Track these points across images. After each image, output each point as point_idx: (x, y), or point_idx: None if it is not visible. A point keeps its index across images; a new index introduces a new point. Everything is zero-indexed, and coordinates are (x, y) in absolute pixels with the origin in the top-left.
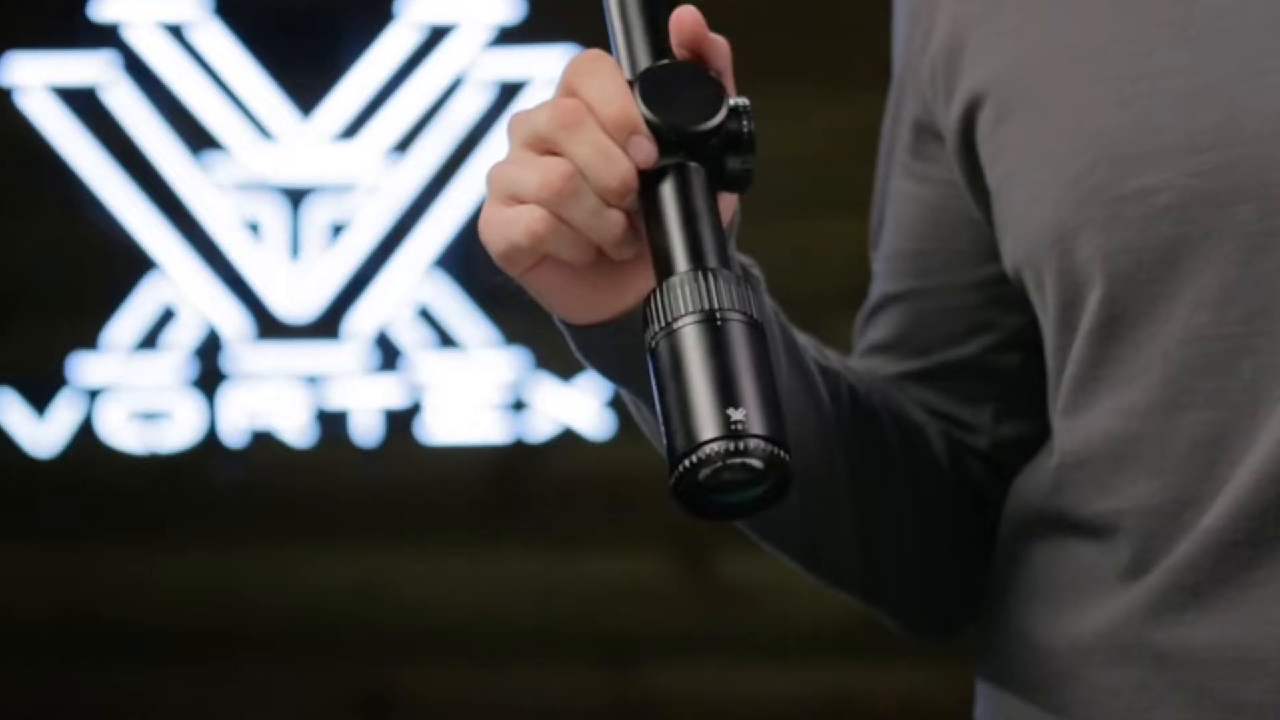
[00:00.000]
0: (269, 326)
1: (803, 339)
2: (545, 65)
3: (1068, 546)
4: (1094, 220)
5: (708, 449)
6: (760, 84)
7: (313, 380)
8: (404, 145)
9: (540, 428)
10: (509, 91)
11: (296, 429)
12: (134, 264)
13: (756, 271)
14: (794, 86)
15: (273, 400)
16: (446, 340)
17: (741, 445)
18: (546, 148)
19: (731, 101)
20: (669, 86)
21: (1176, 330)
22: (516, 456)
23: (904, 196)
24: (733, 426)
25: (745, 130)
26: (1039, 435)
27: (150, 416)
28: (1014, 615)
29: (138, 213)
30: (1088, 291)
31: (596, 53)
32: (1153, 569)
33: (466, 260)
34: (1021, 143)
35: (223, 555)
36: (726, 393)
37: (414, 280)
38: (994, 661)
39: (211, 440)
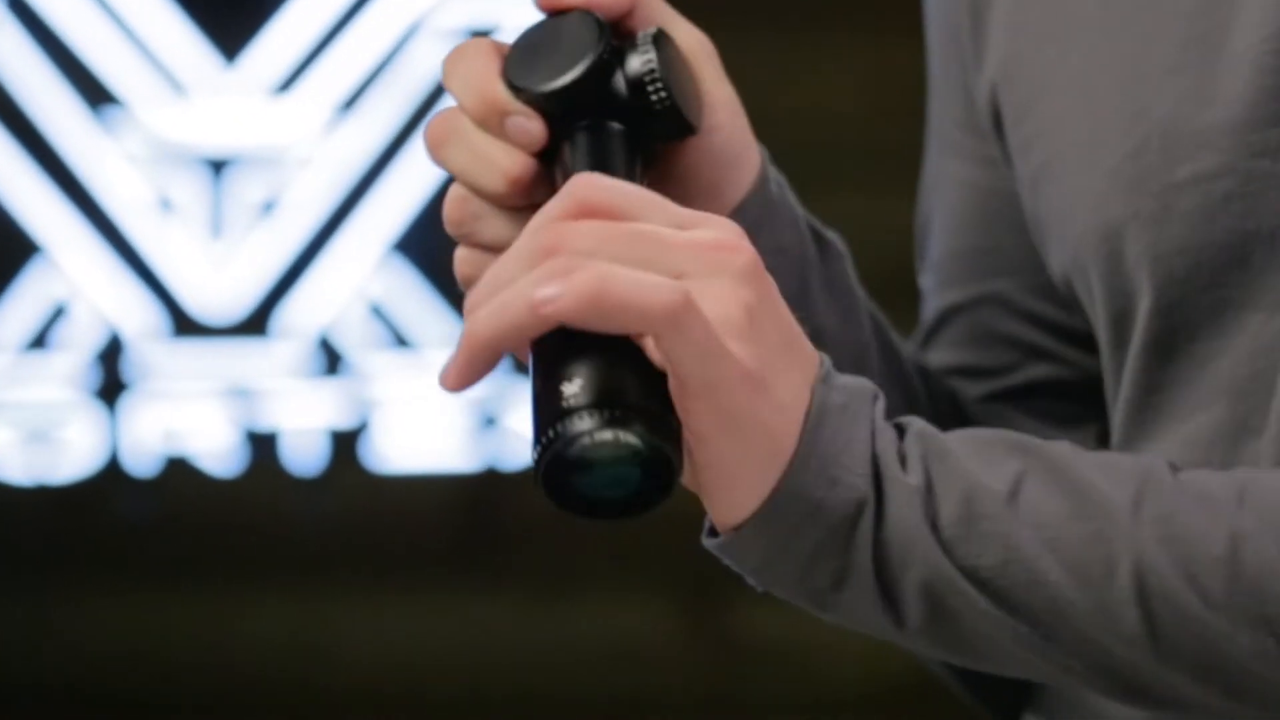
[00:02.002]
0: (185, 325)
1: (895, 335)
2: (515, 10)
3: None
4: (1142, 215)
5: (579, 418)
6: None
7: (239, 393)
8: (350, 104)
9: (518, 451)
10: None
11: (219, 453)
12: (16, 249)
13: (841, 247)
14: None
15: (190, 417)
16: (404, 342)
17: (617, 414)
18: None
19: (640, 33)
20: (540, 49)
21: (1246, 343)
22: (488, 487)
23: (957, 183)
24: (613, 401)
25: (644, 59)
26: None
27: (37, 438)
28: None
29: (22, 185)
30: (1137, 301)
31: (466, 42)
32: None
33: (428, 244)
34: (1056, 126)
35: (129, 607)
36: (608, 372)
37: (364, 269)
38: None
39: (114, 468)
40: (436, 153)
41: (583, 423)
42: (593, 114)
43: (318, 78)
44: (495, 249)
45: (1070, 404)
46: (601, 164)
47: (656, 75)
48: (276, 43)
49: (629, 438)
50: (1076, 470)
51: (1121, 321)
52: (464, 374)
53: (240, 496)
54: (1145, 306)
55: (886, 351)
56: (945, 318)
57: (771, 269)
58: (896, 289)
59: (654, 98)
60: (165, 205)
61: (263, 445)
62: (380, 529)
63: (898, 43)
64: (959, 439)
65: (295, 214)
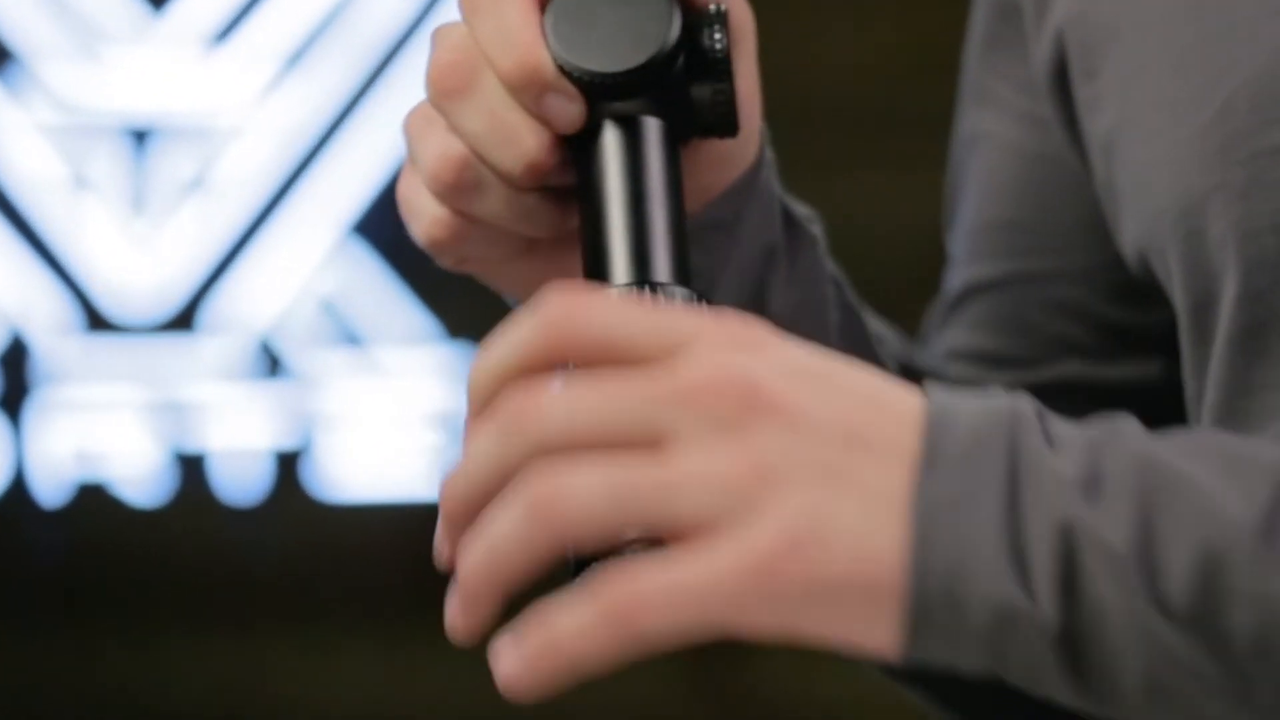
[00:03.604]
0: (100, 322)
1: (877, 326)
2: None
3: None
4: (1227, 186)
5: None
6: None
7: (165, 406)
8: (294, 61)
9: None
10: None
11: (140, 477)
12: None
13: (815, 229)
14: None
15: (106, 434)
16: (360, 345)
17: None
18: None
19: (712, 7)
20: (594, 14)
21: None
22: None
23: (997, 145)
24: None
25: (714, 46)
26: None
27: None
28: None
29: None
30: (1222, 286)
31: None
32: None
33: (389, 227)
34: (1132, 80)
35: (33, 656)
36: None
37: (312, 257)
38: None
39: (17, 493)
40: (445, 100)
41: None
42: (639, 100)
43: (257, 30)
44: (489, 225)
45: (1100, 411)
46: (633, 171)
47: (726, 69)
48: None
49: None
50: None
51: (1204, 311)
52: (469, 616)
53: (165, 529)
54: (1231, 293)
55: (853, 343)
56: (970, 293)
57: (730, 263)
58: (927, 271)
59: (717, 96)
60: (78, 182)
61: (192, 468)
62: (330, 568)
63: None
64: (1176, 448)
65: (231, 191)
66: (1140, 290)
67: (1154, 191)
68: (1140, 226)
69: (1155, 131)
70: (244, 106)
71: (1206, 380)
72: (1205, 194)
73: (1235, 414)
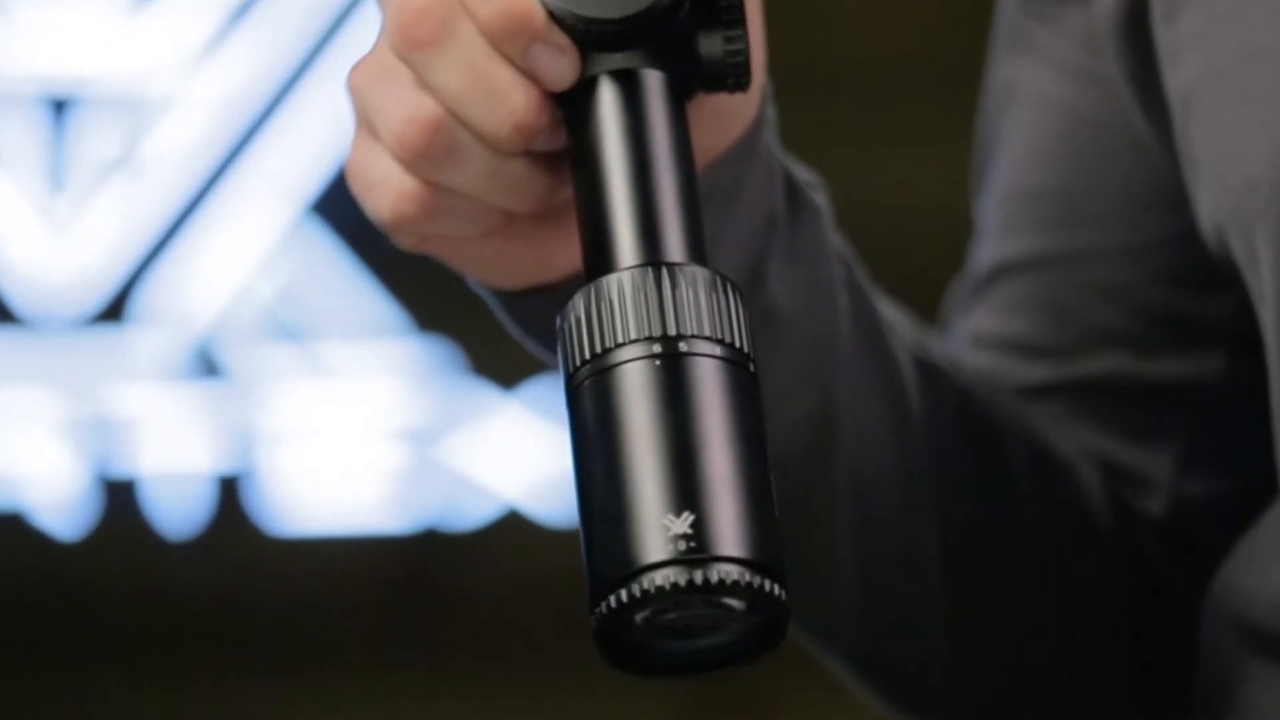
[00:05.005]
0: (10, 318)
1: (889, 313)
2: None
3: None
4: None
5: (650, 579)
6: None
7: (89, 421)
8: (236, 19)
9: (467, 505)
10: None
11: (60, 503)
12: None
13: (819, 197)
14: None
15: (20, 452)
16: (312, 345)
17: (704, 577)
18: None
19: None
20: None
21: None
22: (425, 552)
23: (1041, 101)
24: (690, 543)
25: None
26: (1250, 497)
27: None
28: None
29: None
30: None
31: None
32: None
33: (347, 209)
34: (1221, 25)
35: None
36: (684, 485)
37: (258, 243)
38: None
39: None
40: (415, 52)
41: (668, 580)
42: (639, 51)
43: None
44: (463, 198)
45: (1147, 412)
46: (637, 134)
47: (739, 13)
48: None
49: (733, 603)
50: None
51: None
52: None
53: (88, 563)
54: None
55: (865, 331)
56: (1000, 271)
57: (726, 235)
58: (952, 256)
59: (731, 47)
60: None
61: (119, 493)
62: (276, 609)
63: None
64: None
65: (163, 168)
66: (1201, 273)
67: (1242, 158)
68: (1221, 197)
69: (1245, 87)
70: (178, 71)
71: None
72: None
73: None
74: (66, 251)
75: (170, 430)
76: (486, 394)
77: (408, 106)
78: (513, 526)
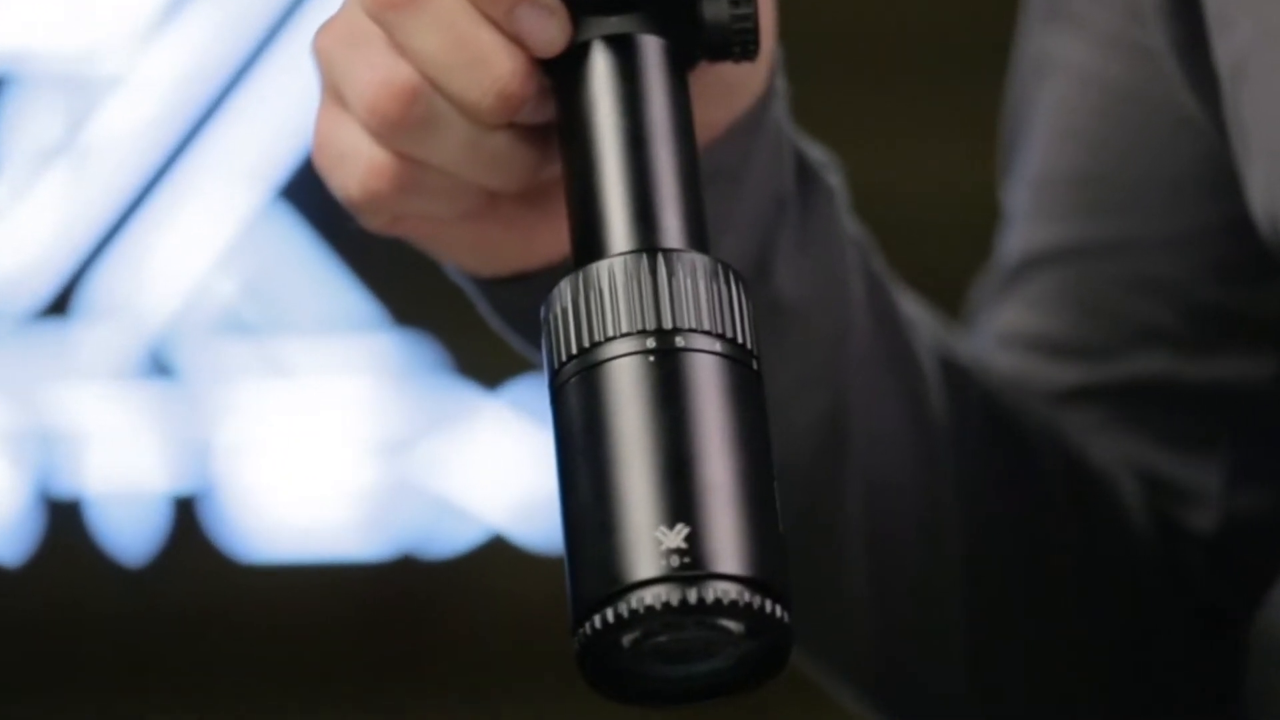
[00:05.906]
0: None
1: (910, 308)
2: None
3: None
4: None
5: (639, 597)
6: None
7: (30, 430)
8: None
9: (447, 528)
10: None
11: None
12: None
13: (833, 179)
14: None
15: None
16: (277, 338)
17: (698, 596)
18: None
19: None
20: None
21: None
22: (403, 579)
23: (1071, 74)
24: (684, 558)
25: None
26: None
27: None
28: None
29: None
30: None
31: None
32: None
33: (317, 195)
34: None
35: None
36: (678, 495)
37: (217, 232)
38: None
39: None
40: (390, 12)
41: (658, 599)
42: (636, 14)
43: None
44: (440, 173)
45: (1192, 419)
46: (638, 106)
47: None
48: None
49: (729, 625)
50: None
51: None
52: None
53: (29, 589)
54: None
55: (882, 324)
56: (1032, 263)
57: (730, 219)
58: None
59: (738, 11)
60: None
61: (64, 513)
62: (237, 639)
63: None
64: None
65: (111, 152)
66: (1252, 265)
67: None
68: (1275, 176)
69: None
70: (127, 47)
71: None
72: None
73: None
74: (5, 242)
75: (120, 441)
76: (469, 395)
77: (380, 71)
78: (497, 552)
